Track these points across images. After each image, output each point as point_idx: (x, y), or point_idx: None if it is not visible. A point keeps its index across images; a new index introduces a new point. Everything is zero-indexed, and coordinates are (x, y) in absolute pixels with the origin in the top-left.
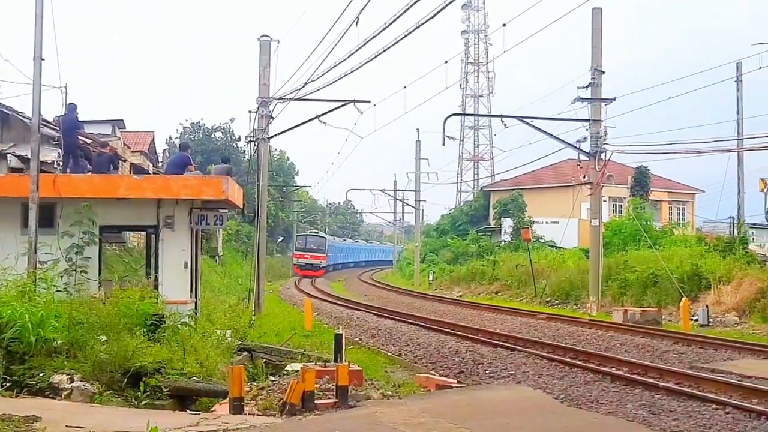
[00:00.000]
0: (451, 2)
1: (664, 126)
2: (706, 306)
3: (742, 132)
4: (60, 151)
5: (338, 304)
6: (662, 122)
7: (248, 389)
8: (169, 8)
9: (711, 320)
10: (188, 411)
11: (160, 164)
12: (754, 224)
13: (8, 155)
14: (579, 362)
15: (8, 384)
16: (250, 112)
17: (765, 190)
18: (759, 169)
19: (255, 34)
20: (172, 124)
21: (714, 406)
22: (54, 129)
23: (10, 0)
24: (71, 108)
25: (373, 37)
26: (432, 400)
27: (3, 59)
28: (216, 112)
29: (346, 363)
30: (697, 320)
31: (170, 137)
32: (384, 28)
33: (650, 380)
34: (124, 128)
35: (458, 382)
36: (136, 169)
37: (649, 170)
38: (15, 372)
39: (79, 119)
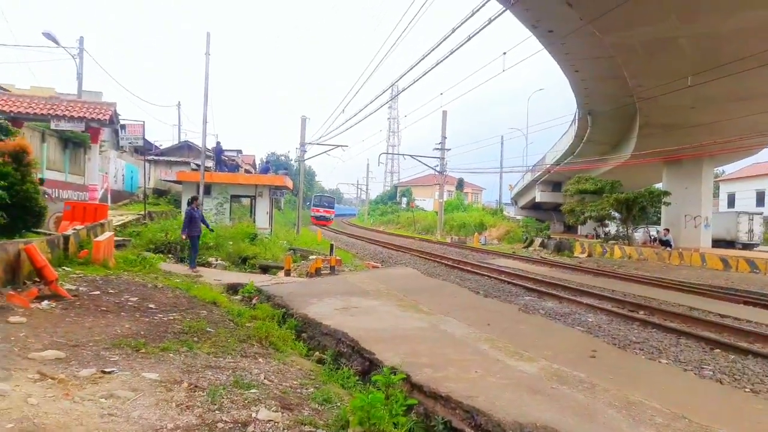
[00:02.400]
0: (382, 106)
1: (475, 160)
2: (485, 236)
3: (503, 165)
4: (213, 162)
5: (331, 232)
6: (473, 158)
7: (293, 266)
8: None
9: (487, 242)
10: (267, 274)
11: (256, 170)
12: (506, 203)
13: (191, 163)
14: (431, 258)
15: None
16: (296, 147)
17: (511, 190)
18: (509, 180)
19: (300, 113)
20: (264, 151)
21: (487, 276)
22: (211, 152)
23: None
24: (219, 143)
25: (349, 119)
26: (370, 273)
27: (188, 120)
28: (283, 145)
29: (335, 256)
30: (482, 242)
31: (262, 159)
32: (354, 116)
33: (461, 266)
34: (242, 153)
35: (382, 265)
36: (246, 172)
37: (463, 179)
38: None
39: (223, 148)
